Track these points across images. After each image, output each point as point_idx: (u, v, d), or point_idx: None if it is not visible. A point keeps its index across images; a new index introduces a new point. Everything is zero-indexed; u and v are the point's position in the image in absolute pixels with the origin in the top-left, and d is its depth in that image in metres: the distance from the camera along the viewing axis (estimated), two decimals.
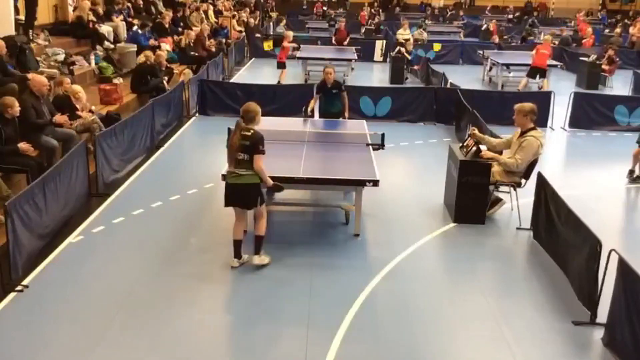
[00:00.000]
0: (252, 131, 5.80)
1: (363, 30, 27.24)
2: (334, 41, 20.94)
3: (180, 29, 17.88)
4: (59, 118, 8.25)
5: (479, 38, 27.13)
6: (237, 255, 6.12)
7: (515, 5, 38.30)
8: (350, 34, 22.00)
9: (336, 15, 32.16)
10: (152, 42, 14.76)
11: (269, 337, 5.03)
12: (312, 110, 9.76)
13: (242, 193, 5.88)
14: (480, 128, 9.38)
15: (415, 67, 17.83)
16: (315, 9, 36.38)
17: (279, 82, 14.86)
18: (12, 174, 7.37)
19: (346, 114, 9.86)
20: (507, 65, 16.82)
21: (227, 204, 6.00)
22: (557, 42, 22.06)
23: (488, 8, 37.25)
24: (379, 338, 5.04)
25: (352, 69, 17.65)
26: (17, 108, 7.31)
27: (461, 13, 35.39)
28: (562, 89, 14.80)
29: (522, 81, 15.75)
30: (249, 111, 5.86)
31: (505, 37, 25.20)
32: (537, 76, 15.69)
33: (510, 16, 35.62)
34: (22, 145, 7.27)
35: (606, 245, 5.09)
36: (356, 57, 17.86)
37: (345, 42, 20.51)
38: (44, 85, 8.19)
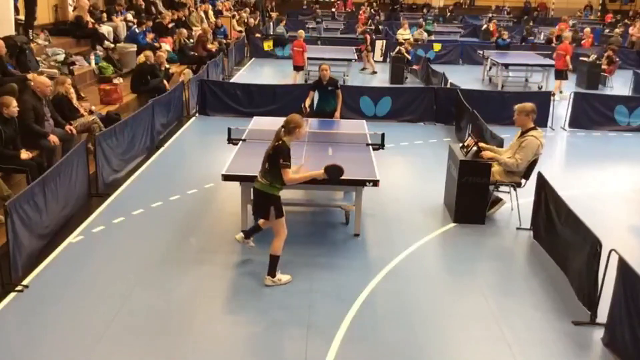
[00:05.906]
0: (280, 142, 5.61)
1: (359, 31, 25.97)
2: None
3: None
4: (68, 129, 8.37)
5: (479, 38, 27.11)
6: (247, 235, 6.19)
7: (514, 5, 38.32)
8: (349, 33, 21.98)
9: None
10: (149, 36, 14.71)
11: (269, 336, 5.03)
12: (311, 106, 9.73)
13: (257, 199, 5.81)
14: (480, 128, 9.40)
15: (415, 67, 17.83)
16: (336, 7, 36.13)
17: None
18: (12, 174, 7.36)
19: (337, 114, 9.77)
20: (507, 65, 16.80)
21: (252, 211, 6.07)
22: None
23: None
24: (379, 338, 5.04)
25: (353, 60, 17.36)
26: (12, 108, 7.26)
27: (452, 14, 35.52)
28: (562, 89, 14.79)
29: (555, 85, 15.44)
30: (289, 122, 5.66)
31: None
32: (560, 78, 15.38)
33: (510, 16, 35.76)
34: (24, 155, 7.29)
35: (606, 245, 5.09)
36: (356, 57, 17.84)
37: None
38: (46, 86, 8.19)
